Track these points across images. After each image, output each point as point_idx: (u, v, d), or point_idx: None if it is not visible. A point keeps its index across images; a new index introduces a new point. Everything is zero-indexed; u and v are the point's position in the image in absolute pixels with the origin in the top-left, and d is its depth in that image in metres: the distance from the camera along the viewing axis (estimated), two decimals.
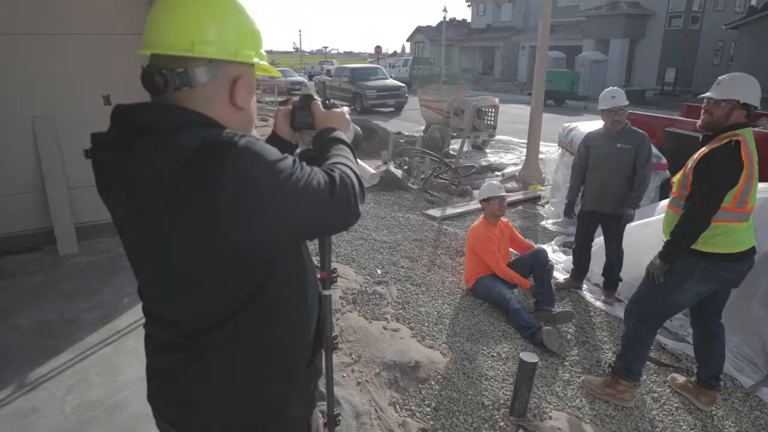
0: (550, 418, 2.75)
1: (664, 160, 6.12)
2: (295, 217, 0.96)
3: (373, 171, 7.99)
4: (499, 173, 9.39)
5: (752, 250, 2.63)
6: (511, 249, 4.42)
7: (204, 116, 0.98)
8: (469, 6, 41.36)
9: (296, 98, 1.37)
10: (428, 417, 2.72)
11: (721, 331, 2.91)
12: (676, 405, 3.03)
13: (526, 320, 3.66)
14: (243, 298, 1.01)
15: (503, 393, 2.92)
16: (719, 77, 2.69)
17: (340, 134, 1.22)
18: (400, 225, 5.82)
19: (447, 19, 34.68)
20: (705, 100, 2.65)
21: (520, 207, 7.30)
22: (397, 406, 2.78)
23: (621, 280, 4.24)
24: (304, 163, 0.98)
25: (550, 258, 4.28)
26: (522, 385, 2.62)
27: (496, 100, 11.06)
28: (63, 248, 4.67)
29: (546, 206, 7.22)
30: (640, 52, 27.78)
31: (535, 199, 7.76)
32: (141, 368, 1.22)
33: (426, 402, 2.83)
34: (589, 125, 7.25)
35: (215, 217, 0.88)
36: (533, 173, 8.86)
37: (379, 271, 4.47)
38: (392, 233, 5.53)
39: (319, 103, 1.31)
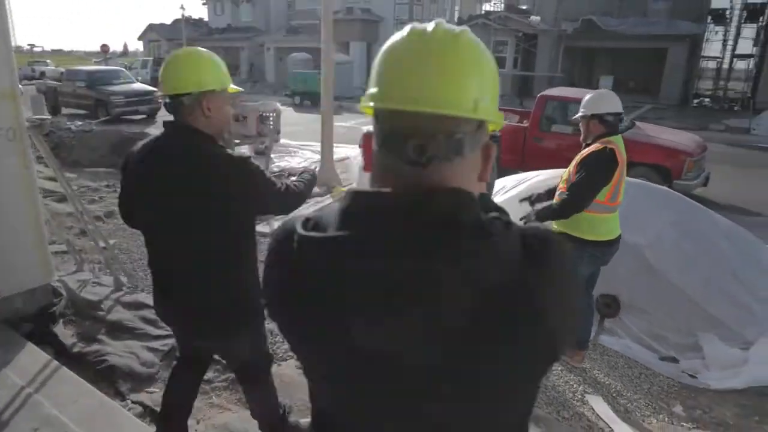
0: None
1: None
2: None
3: None
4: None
5: (619, 236, 3.25)
6: None
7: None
8: (204, 4, 39.61)
9: None
10: None
11: (592, 301, 3.53)
12: (559, 368, 3.54)
13: None
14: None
15: None
16: (584, 97, 3.24)
17: None
18: None
19: (186, 18, 32.63)
20: (580, 118, 3.19)
21: None
22: None
23: None
24: None
25: None
26: None
27: (278, 104, 10.94)
28: None
29: None
30: (377, 54, 30.70)
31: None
32: None
33: None
34: None
35: (547, 335, 0.72)
36: (331, 175, 9.10)
37: None
38: None
39: None
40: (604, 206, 3.10)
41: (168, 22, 40.18)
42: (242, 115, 10.46)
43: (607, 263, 3.34)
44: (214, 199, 1.78)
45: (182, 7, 30.71)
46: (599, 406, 3.18)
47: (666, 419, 3.14)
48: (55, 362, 2.95)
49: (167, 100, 1.85)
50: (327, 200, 7.71)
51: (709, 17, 23.64)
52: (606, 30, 22.73)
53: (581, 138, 3.25)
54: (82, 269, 4.35)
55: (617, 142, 3.11)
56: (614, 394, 3.31)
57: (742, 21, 23.32)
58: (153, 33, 40.07)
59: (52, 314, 3.51)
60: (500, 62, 25.39)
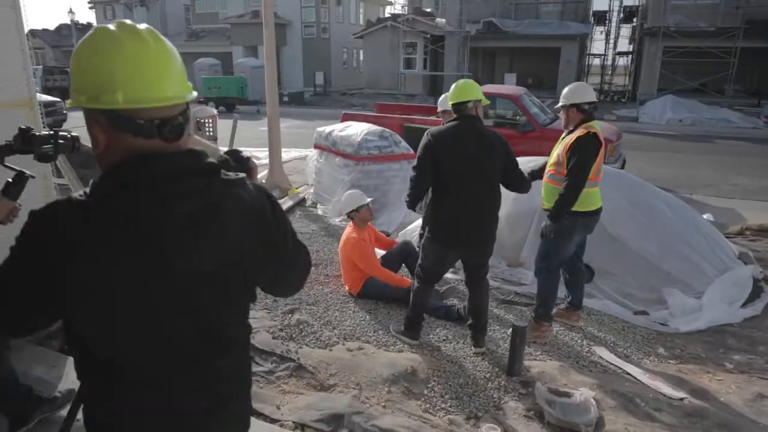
0: (529, 368, 3.34)
1: (412, 151, 7.32)
2: None
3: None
4: None
5: (601, 207, 3.74)
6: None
7: None
8: (92, 8, 36.92)
9: None
10: (461, 407, 2.93)
11: (583, 266, 4.03)
12: (562, 328, 4.03)
13: (434, 303, 4.11)
14: None
15: (488, 364, 3.35)
16: (564, 88, 3.70)
17: None
18: None
19: (74, 23, 30.12)
20: (561, 106, 3.63)
21: (298, 213, 7.52)
22: (431, 411, 2.89)
23: None
24: None
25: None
26: (521, 347, 3.11)
27: (214, 110, 10.73)
28: None
29: (321, 207, 7.65)
30: (286, 57, 30.46)
31: (301, 203, 8.10)
32: None
33: (447, 396, 3.02)
34: (339, 127, 8.02)
35: None
36: (281, 179, 9.15)
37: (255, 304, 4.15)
38: None
39: None
40: (591, 182, 3.58)
41: (51, 27, 36.93)
42: None
43: (592, 231, 3.85)
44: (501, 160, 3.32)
45: (71, 11, 28.35)
46: (605, 354, 3.70)
47: (655, 359, 3.72)
48: None
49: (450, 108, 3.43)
50: (287, 202, 7.78)
51: (593, 18, 26.15)
52: (505, 31, 24.38)
53: (563, 125, 3.73)
54: None
55: (596, 126, 3.62)
56: (612, 344, 3.86)
57: (620, 22, 26.03)
58: (37, 40, 36.61)
59: None
60: (411, 63, 26.32)
